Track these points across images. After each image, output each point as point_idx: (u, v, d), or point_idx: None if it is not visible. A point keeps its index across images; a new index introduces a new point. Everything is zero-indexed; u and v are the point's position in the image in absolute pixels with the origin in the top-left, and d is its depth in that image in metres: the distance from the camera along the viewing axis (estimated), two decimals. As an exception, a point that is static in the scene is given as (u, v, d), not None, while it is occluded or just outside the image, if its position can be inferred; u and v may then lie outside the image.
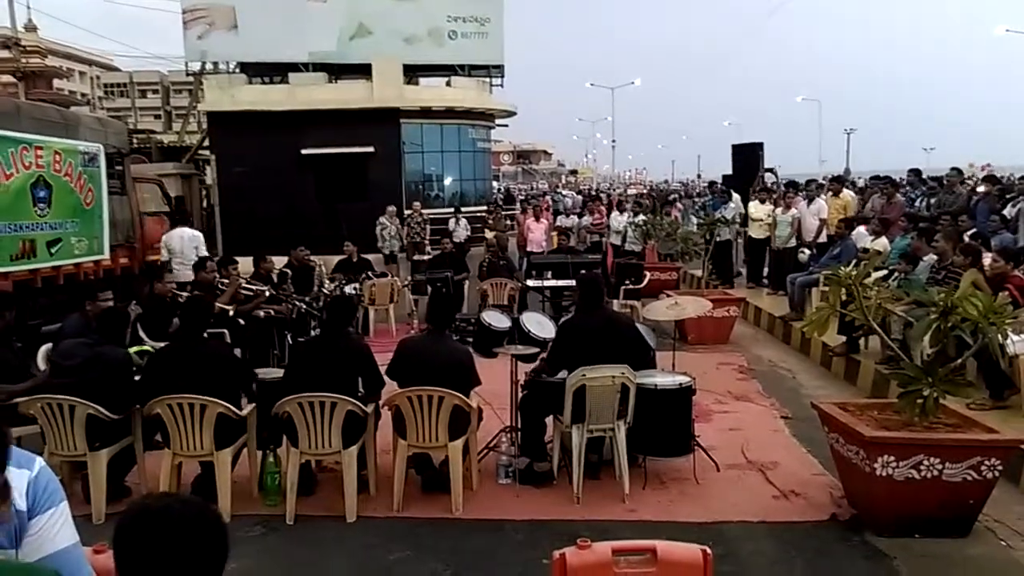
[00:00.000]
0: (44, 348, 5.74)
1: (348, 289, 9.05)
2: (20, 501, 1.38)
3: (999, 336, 3.91)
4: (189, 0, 21.09)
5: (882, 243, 8.75)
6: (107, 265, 9.72)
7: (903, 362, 4.30)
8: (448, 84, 22.84)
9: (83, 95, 55.78)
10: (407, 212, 15.88)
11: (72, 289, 8.63)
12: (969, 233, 8.03)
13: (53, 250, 8.68)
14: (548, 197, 30.49)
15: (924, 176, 12.05)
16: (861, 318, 4.33)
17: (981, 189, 10.39)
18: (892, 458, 3.91)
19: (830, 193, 11.71)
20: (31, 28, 40.68)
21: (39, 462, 1.47)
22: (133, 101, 62.16)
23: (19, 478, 1.41)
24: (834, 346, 7.84)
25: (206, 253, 9.54)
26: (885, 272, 7.47)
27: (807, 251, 10.70)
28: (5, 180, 7.95)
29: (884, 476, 3.93)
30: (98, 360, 4.66)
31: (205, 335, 4.96)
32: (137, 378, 4.80)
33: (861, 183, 13.59)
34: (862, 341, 7.60)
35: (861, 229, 9.94)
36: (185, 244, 9.94)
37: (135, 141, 22.29)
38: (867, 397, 6.51)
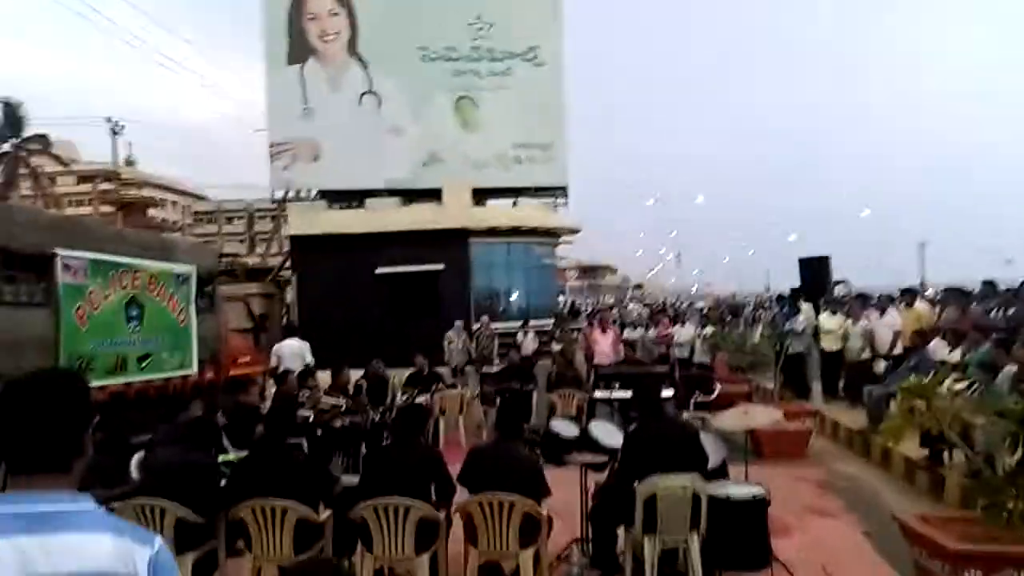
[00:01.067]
0: (137, 456, 6.07)
1: (419, 400, 9.27)
2: (142, 575, 1.53)
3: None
4: (276, 135, 22.83)
5: (957, 355, 8.54)
6: (195, 380, 10.22)
7: (985, 473, 4.19)
8: (515, 205, 23.73)
9: (174, 222, 59.81)
10: (475, 326, 16.25)
11: (161, 402, 9.09)
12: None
13: (143, 364, 9.21)
14: (615, 310, 30.66)
15: (998, 288, 11.80)
16: (935, 427, 4.26)
17: (1062, 298, 10.11)
18: (979, 572, 3.76)
19: (903, 304, 11.55)
20: (130, 162, 44.29)
21: (159, 540, 1.59)
22: (219, 227, 65.99)
23: (141, 555, 1.55)
24: (916, 459, 7.56)
25: (312, 360, 10.31)
26: (966, 384, 7.28)
27: (883, 363, 10.47)
28: (103, 300, 8.61)
29: (972, 591, 3.77)
30: (187, 467, 4.92)
31: (287, 442, 5.19)
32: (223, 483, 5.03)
33: (930, 293, 13.32)
34: (946, 454, 7.32)
35: (938, 341, 9.73)
36: (294, 353, 11.40)
37: (222, 263, 23.70)
38: (954, 511, 6.22)
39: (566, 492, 5.51)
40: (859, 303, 12.07)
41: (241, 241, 61.08)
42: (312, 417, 7.39)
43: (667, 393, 8.45)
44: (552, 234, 24.57)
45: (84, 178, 60.59)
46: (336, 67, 23.00)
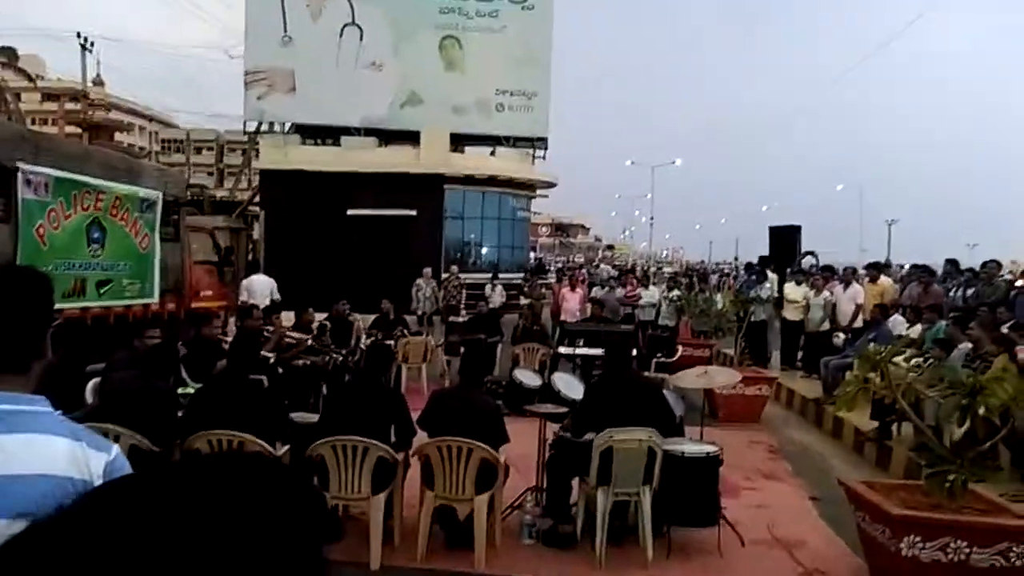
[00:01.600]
0: (93, 382, 5.98)
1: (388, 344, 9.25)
2: (98, 481, 1.50)
3: (1030, 422, 3.91)
4: (252, 62, 22.20)
5: (917, 330, 8.72)
6: (155, 309, 10.06)
7: (932, 443, 4.31)
8: (492, 153, 23.50)
9: (141, 148, 58.29)
10: (444, 275, 16.20)
11: (120, 330, 8.95)
12: (1009, 324, 7.98)
13: (102, 290, 9.03)
14: (584, 270, 30.78)
15: (961, 267, 12.04)
16: (890, 395, 4.36)
17: (1020, 283, 10.34)
18: (919, 538, 3.88)
19: (867, 279, 11.73)
20: (99, 83, 42.88)
21: (115, 448, 1.55)
22: (188, 156, 64.51)
23: (97, 461, 1.52)
24: (866, 431, 7.76)
25: (279, 297, 10.32)
26: (920, 359, 7.45)
27: (842, 335, 10.67)
28: (64, 220, 8.37)
29: (910, 557, 3.90)
30: (145, 392, 4.86)
31: (248, 378, 5.15)
32: (180, 414, 4.99)
33: (904, 272, 13.56)
34: (895, 427, 7.53)
35: (898, 316, 9.93)
36: (263, 288, 11.73)
37: (190, 194, 23.21)
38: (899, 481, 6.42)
39: (525, 442, 5.56)
40: (824, 275, 12.24)
41: (210, 173, 59.86)
42: (274, 358, 7.33)
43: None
44: (528, 186, 24.45)
45: (50, 96, 58.70)
46: (319, -6, 22.30)
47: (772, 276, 13.67)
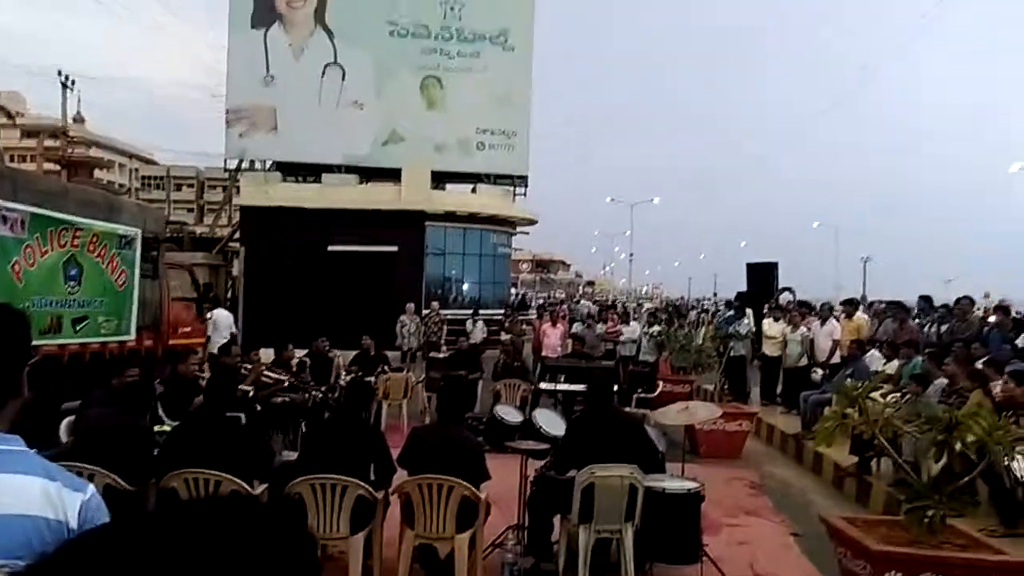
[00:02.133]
0: (67, 420, 5.89)
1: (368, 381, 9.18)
2: (73, 522, 1.49)
3: (1005, 457, 3.96)
4: (234, 100, 22.31)
5: (893, 366, 8.82)
6: (132, 346, 9.94)
7: (910, 478, 4.34)
8: (474, 191, 23.67)
9: (121, 185, 58.03)
10: (425, 311, 16.19)
11: (97, 367, 8.82)
12: (983, 360, 8.09)
13: (78, 327, 8.92)
14: (565, 306, 30.83)
15: (935, 303, 12.23)
16: (868, 431, 4.39)
17: (993, 319, 10.51)
18: (899, 574, 3.89)
19: (844, 315, 11.87)
20: (79, 119, 42.80)
21: (91, 488, 1.55)
22: (168, 193, 64.35)
23: (73, 500, 1.50)
24: (846, 466, 7.79)
25: (236, 331, 10.43)
26: (897, 395, 7.53)
27: (820, 371, 10.76)
28: (41, 257, 8.29)
29: (891, 593, 3.90)
30: (120, 430, 4.78)
31: (225, 415, 5.09)
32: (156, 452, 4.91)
33: (880, 307, 13.72)
34: (874, 463, 7.56)
35: (875, 352, 10.04)
36: (228, 321, 12.36)
37: (169, 231, 23.10)
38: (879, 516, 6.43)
39: (506, 479, 5.52)
40: (800, 311, 12.37)
41: (190, 210, 59.73)
42: (252, 392, 7.26)
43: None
44: (509, 223, 24.60)
45: (29, 133, 58.46)
46: (301, 35, 22.56)
47: (749, 311, 13.79)
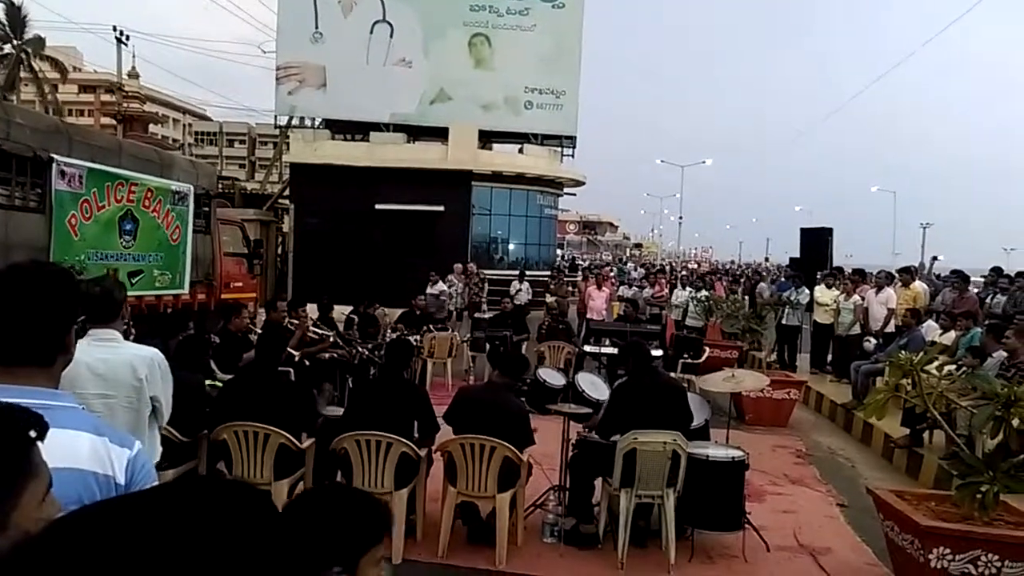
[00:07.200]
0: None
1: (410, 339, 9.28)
2: (120, 477, 1.52)
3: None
4: (284, 57, 22.38)
5: (950, 337, 8.55)
6: (186, 299, 10.20)
7: (964, 453, 4.22)
8: (521, 151, 23.47)
9: (175, 140, 59.15)
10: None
11: (151, 320, 9.08)
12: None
13: (134, 280, 9.17)
14: (611, 268, 30.63)
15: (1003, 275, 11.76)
16: (921, 404, 4.27)
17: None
18: (948, 551, 3.80)
19: (900, 284, 11.53)
20: (133, 75, 43.51)
21: (138, 444, 1.58)
22: (220, 149, 65.36)
23: (120, 456, 1.53)
24: (897, 438, 7.63)
25: None
26: (953, 367, 7.30)
27: (873, 340, 10.49)
28: (97, 211, 8.51)
29: (939, 569, 3.82)
30: (175, 383, 4.90)
31: (275, 370, 5.19)
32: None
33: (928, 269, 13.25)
34: (926, 435, 7.39)
35: (931, 322, 9.75)
36: None
37: (221, 186, 23.48)
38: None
39: (548, 441, 5.55)
40: (854, 278, 12.05)
41: (241, 166, 60.63)
42: (299, 355, 7.38)
43: (657, 353, 8.46)
44: (556, 184, 24.37)
45: (86, 88, 59.76)
46: (351, -10, 22.38)
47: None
